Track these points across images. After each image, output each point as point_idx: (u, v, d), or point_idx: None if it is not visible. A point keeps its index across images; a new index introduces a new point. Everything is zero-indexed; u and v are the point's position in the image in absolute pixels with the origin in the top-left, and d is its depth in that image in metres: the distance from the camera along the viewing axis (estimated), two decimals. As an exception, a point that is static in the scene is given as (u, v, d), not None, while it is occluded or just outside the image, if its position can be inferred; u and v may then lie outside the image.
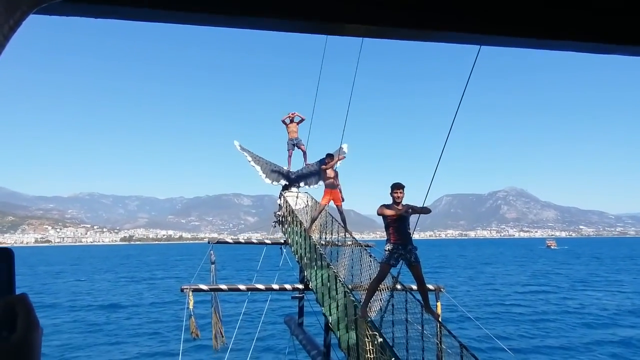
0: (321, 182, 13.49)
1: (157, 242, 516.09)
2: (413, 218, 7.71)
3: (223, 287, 12.25)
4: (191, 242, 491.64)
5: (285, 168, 15.97)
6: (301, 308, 14.43)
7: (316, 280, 11.16)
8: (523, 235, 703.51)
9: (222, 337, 12.98)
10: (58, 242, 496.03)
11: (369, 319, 8.36)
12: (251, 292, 13.03)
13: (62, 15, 0.99)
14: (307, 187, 15.89)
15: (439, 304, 11.00)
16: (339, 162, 12.96)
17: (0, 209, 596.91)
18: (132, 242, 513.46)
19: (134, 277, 69.49)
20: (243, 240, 15.58)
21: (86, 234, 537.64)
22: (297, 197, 15.33)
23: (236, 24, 1.10)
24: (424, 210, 7.49)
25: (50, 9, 0.93)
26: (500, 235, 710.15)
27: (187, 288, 11.51)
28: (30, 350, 0.74)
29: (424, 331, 8.07)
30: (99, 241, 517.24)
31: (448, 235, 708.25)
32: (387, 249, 7.66)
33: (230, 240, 15.02)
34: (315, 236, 12.67)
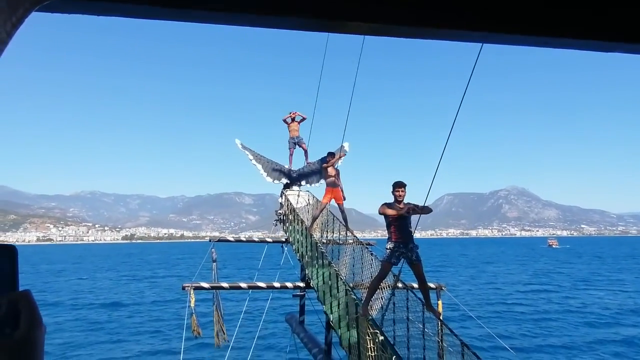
0: (322, 181, 13.49)
1: (158, 241, 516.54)
2: (414, 217, 7.68)
3: (224, 285, 12.26)
4: (192, 240, 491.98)
5: (286, 167, 15.95)
6: (302, 306, 14.45)
7: (317, 278, 11.17)
8: (524, 234, 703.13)
9: (224, 334, 13.00)
10: (60, 241, 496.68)
11: (370, 317, 8.36)
12: (252, 290, 13.04)
13: (64, 13, 0.99)
14: (308, 185, 15.88)
15: (440, 302, 11.00)
16: (340, 161, 12.94)
17: (2, 208, 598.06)
18: (133, 241, 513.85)
19: (136, 276, 69.58)
20: (244, 238, 15.56)
21: (88, 232, 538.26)
22: (298, 196, 15.33)
23: (237, 22, 1.10)
24: (425, 210, 7.46)
25: (52, 7, 0.93)
26: (502, 234, 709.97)
27: (188, 286, 11.52)
28: (33, 347, 0.74)
29: (425, 329, 8.07)
30: (100, 240, 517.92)
31: (449, 234, 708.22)
32: (388, 248, 7.65)
33: (232, 238, 15.03)
34: (316, 235, 12.66)
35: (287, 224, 14.55)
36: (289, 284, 13.12)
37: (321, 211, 12.65)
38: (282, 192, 15.62)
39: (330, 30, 1.19)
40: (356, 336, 8.23)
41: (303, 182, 15.84)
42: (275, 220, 15.54)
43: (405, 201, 7.74)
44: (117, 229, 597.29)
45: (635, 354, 22.21)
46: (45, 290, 50.38)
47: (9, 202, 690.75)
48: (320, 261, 11.47)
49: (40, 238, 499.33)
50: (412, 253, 7.61)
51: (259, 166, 15.72)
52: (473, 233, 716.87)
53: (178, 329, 23.95)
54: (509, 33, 1.19)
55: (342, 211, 12.45)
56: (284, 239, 14.60)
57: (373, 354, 7.29)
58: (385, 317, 8.67)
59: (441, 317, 8.36)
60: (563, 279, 56.79)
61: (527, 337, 25.70)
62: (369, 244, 11.38)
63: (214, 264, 12.79)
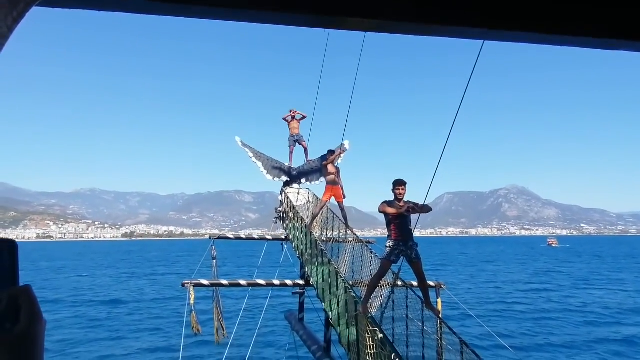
0: (322, 179, 13.48)
1: (158, 239, 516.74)
2: (414, 215, 7.68)
3: (224, 282, 12.26)
4: (192, 238, 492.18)
5: (286, 164, 15.95)
6: (302, 304, 14.44)
7: (317, 276, 11.17)
8: (524, 233, 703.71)
9: (224, 331, 13.01)
10: (60, 238, 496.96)
11: (370, 315, 8.36)
12: (252, 287, 13.05)
13: (65, 8, 0.99)
14: (308, 183, 15.87)
15: (439, 300, 11.01)
16: (340, 158, 12.93)
17: (2, 205, 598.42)
18: (133, 238, 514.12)
19: (135, 273, 69.60)
20: (244, 236, 15.55)
21: (88, 229, 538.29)
22: (298, 194, 15.33)
23: (237, 18, 1.09)
24: (425, 209, 7.45)
25: (52, 1, 0.93)
26: (502, 233, 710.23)
27: (188, 283, 11.52)
28: (33, 342, 0.74)
29: (425, 328, 8.08)
30: (100, 237, 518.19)
31: (449, 233, 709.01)
32: (388, 246, 7.64)
33: (231, 236, 14.99)
34: (316, 232, 12.66)
35: (287, 222, 14.54)
36: (288, 282, 13.12)
37: (321, 209, 12.66)
38: (282, 189, 15.61)
39: (331, 27, 1.19)
40: (355, 334, 8.23)
41: (303, 180, 15.83)
42: (275, 217, 15.54)
43: (405, 199, 7.73)
44: (117, 227, 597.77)
45: (635, 354, 22.20)
46: (45, 287, 50.37)
47: (9, 199, 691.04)
48: (320, 259, 11.47)
49: (40, 235, 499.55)
50: (412, 251, 7.61)
51: (259, 164, 15.71)
52: (473, 232, 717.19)
53: (178, 327, 23.94)
54: (510, 30, 1.19)
55: (342, 209, 12.44)
56: (283, 237, 14.59)
57: (372, 352, 7.29)
58: (384, 314, 8.68)
59: (440, 315, 8.37)
60: (563, 278, 56.77)
61: (527, 336, 25.70)
62: (368, 242, 11.37)
63: (214, 261, 12.77)
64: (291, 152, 15.81)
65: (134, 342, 25.28)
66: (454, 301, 13.63)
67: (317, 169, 15.48)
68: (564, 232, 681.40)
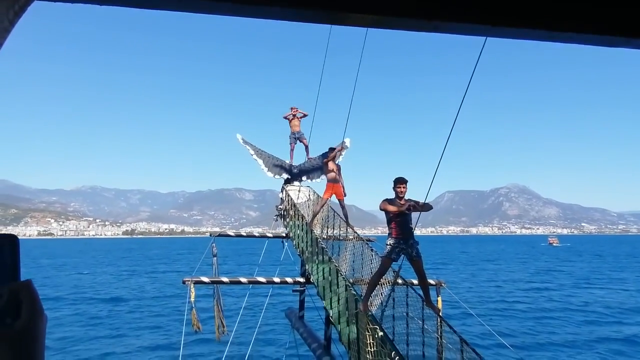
0: (323, 177, 13.47)
1: (159, 236, 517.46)
2: (415, 213, 7.67)
3: (224, 279, 12.26)
4: (193, 236, 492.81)
5: (287, 162, 15.95)
6: (302, 301, 14.45)
7: (317, 274, 11.18)
8: (525, 232, 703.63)
9: (224, 327, 13.02)
10: (60, 235, 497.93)
11: (370, 313, 8.36)
12: (252, 285, 13.04)
13: (66, 2, 0.98)
14: (309, 181, 15.87)
15: (439, 298, 11.01)
16: (341, 156, 12.93)
17: (3, 202, 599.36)
18: (134, 236, 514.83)
19: (136, 271, 69.72)
20: (245, 234, 15.55)
21: (88, 227, 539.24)
22: (299, 191, 15.33)
23: (238, 12, 1.09)
24: (426, 207, 7.44)
25: None
26: (502, 232, 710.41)
27: (188, 280, 11.54)
28: (34, 337, 0.74)
29: (425, 326, 8.08)
30: (101, 234, 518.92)
31: (450, 231, 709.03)
32: (388, 244, 7.64)
33: (232, 233, 15.00)
34: (317, 230, 12.66)
35: (288, 220, 14.54)
36: (289, 280, 13.12)
37: (322, 207, 12.65)
38: (282, 187, 15.61)
39: (333, 22, 1.18)
40: (356, 332, 8.23)
41: (304, 178, 15.83)
42: (276, 215, 15.54)
43: (406, 198, 7.73)
44: (118, 224, 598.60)
45: (637, 353, 22.18)
46: (46, 284, 50.48)
47: (10, 196, 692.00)
48: (320, 257, 11.47)
49: (41, 232, 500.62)
50: (413, 249, 7.60)
51: (260, 161, 15.72)
52: (473, 231, 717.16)
53: (178, 324, 23.97)
54: (512, 27, 1.18)
55: (343, 207, 12.43)
56: (284, 235, 14.59)
57: (372, 350, 7.29)
58: (384, 313, 8.68)
59: (441, 314, 8.37)
60: (564, 277, 56.75)
61: (528, 335, 25.68)
62: (369, 240, 11.37)
63: (215, 258, 12.78)
64: (292, 150, 15.81)
65: (135, 339, 25.32)
66: (454, 300, 13.61)
67: (318, 167, 15.48)
68: (565, 231, 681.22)
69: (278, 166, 15.82)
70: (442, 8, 1.12)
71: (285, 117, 15.58)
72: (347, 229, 11.86)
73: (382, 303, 8.91)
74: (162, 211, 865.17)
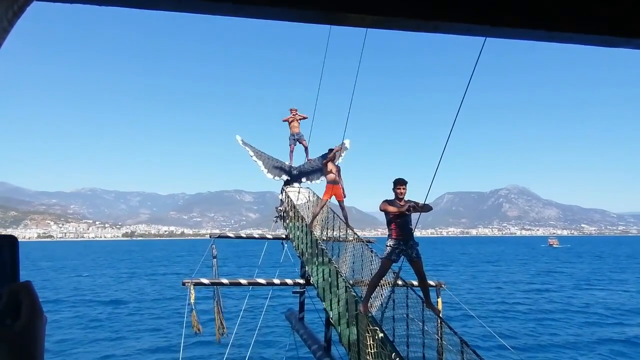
0: (323, 178, 13.46)
1: (158, 238, 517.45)
2: (415, 215, 7.67)
3: (224, 281, 12.24)
4: (193, 238, 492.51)
5: (287, 163, 15.94)
6: (302, 303, 14.43)
7: (317, 275, 11.16)
8: (525, 233, 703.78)
9: (224, 329, 13.00)
10: (60, 238, 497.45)
11: (370, 315, 8.35)
12: (252, 286, 13.03)
13: (66, 2, 0.98)
14: (309, 182, 15.86)
15: (439, 300, 11.00)
16: (340, 157, 12.93)
17: (2, 204, 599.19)
18: (134, 238, 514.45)
19: (136, 273, 69.64)
20: (244, 235, 15.53)
21: (88, 229, 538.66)
22: (298, 193, 15.32)
23: (239, 13, 1.08)
24: (425, 209, 7.44)
25: None
26: (502, 234, 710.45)
27: (188, 282, 11.53)
28: (33, 338, 0.74)
29: (425, 327, 8.07)
30: (101, 237, 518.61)
31: (449, 233, 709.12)
32: (388, 245, 7.63)
33: (232, 235, 14.98)
34: (316, 232, 12.66)
35: (288, 221, 14.53)
36: (289, 281, 13.11)
37: (321, 208, 12.64)
38: (282, 188, 15.60)
39: (332, 23, 1.17)
40: (356, 333, 8.22)
41: (304, 179, 15.82)
42: (276, 217, 15.52)
43: (405, 199, 7.73)
44: (118, 226, 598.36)
45: (638, 354, 22.15)
46: (46, 287, 50.41)
47: (10, 199, 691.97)
48: (320, 258, 11.46)
49: (41, 235, 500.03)
50: (413, 250, 7.60)
51: (260, 163, 15.70)
52: (473, 232, 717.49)
53: (178, 326, 23.94)
54: (512, 27, 1.18)
55: (343, 208, 12.43)
56: (284, 236, 14.58)
57: (372, 351, 7.28)
58: (385, 314, 8.67)
59: (441, 315, 8.37)
60: (564, 278, 56.71)
61: (529, 337, 25.64)
62: (369, 241, 11.36)
63: (214, 260, 12.76)
64: (291, 151, 15.80)
65: (135, 342, 25.28)
66: (454, 301, 13.62)
67: (318, 168, 15.47)
68: (565, 232, 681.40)
69: (278, 168, 15.81)
70: (441, 8, 1.12)
71: (285, 120, 15.60)
72: (346, 231, 11.85)
73: (382, 304, 8.90)
74: (162, 213, 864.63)
